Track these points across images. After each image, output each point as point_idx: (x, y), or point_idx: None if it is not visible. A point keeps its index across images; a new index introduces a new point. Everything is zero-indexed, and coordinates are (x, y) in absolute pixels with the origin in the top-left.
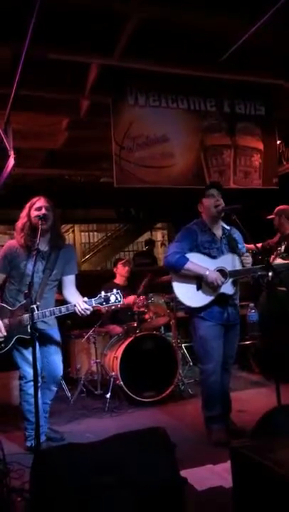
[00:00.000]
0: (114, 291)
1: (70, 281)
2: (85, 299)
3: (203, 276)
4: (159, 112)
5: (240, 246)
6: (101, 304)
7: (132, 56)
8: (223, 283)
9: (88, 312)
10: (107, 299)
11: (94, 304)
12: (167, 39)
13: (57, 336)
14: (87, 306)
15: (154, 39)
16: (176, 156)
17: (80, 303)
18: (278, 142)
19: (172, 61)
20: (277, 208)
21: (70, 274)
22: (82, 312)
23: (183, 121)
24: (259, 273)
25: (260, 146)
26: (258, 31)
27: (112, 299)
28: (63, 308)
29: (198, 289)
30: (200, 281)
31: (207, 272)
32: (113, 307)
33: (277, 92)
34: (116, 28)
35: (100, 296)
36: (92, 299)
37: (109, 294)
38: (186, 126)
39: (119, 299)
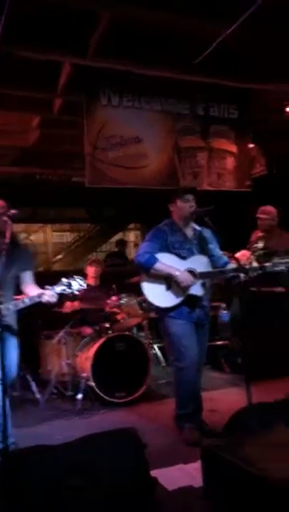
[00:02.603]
0: (76, 277)
1: (28, 277)
2: (48, 287)
3: (173, 276)
4: (133, 112)
5: (211, 246)
6: (64, 290)
7: (105, 56)
8: (192, 283)
9: (54, 299)
10: (69, 285)
11: (57, 291)
12: (141, 40)
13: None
14: (53, 293)
15: (128, 40)
16: (149, 157)
17: (45, 292)
18: (251, 145)
19: (146, 62)
20: (271, 209)
21: (28, 270)
22: (49, 299)
23: (157, 122)
24: (231, 274)
25: (234, 149)
26: (233, 34)
27: (75, 284)
28: (27, 299)
29: (167, 289)
30: (169, 281)
31: (177, 273)
32: (77, 293)
33: (252, 96)
34: (89, 27)
35: (62, 282)
36: (55, 286)
37: (70, 280)
38: (160, 127)
39: (81, 284)
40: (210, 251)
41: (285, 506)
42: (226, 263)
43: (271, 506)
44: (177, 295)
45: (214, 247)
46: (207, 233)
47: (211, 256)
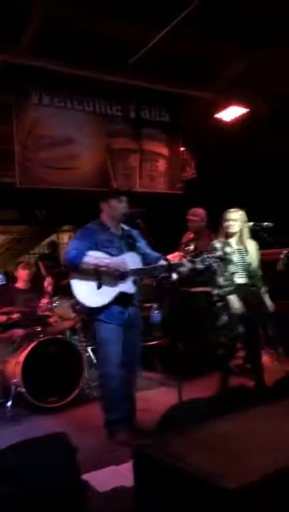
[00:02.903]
0: None
1: None
2: None
3: (105, 265)
4: (65, 113)
5: (140, 244)
6: None
7: (36, 55)
8: (126, 275)
9: None
10: None
11: None
12: (74, 41)
13: None
14: None
15: (60, 40)
16: (81, 159)
17: None
18: (182, 149)
19: (78, 63)
20: (201, 211)
21: None
22: None
23: (89, 123)
24: (162, 275)
25: (165, 151)
26: (164, 39)
27: None
28: None
29: (98, 287)
30: (100, 279)
31: (108, 261)
32: None
33: (182, 100)
34: (20, 25)
35: None
36: None
37: None
38: (93, 129)
39: None
40: (140, 249)
41: (208, 496)
42: (159, 258)
43: (195, 497)
44: (109, 293)
45: (143, 245)
46: (134, 232)
47: (142, 254)
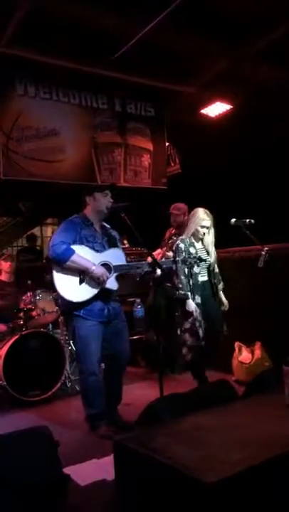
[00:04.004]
0: None
1: None
2: None
3: (89, 270)
4: (50, 104)
5: (118, 243)
6: None
7: (20, 45)
8: (107, 278)
9: None
10: None
11: None
12: (59, 32)
13: None
14: None
15: (46, 31)
16: (66, 151)
17: None
18: (167, 144)
19: (63, 54)
20: (183, 206)
21: None
22: None
23: (74, 116)
24: (146, 270)
25: (150, 146)
26: (151, 33)
27: None
28: None
29: (80, 282)
30: (83, 274)
31: (94, 267)
32: None
33: (168, 95)
34: (4, 14)
35: None
36: None
37: None
38: (78, 121)
39: None
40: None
41: (187, 489)
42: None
43: (175, 490)
44: (91, 289)
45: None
46: (115, 234)
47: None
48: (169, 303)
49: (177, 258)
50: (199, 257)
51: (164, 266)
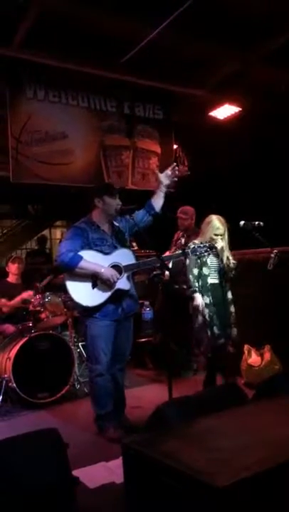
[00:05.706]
0: None
1: None
2: None
3: (98, 273)
4: (59, 108)
5: (127, 235)
6: None
7: (31, 49)
8: (118, 279)
9: None
10: None
11: None
12: (69, 35)
13: None
14: None
15: (56, 34)
16: (75, 154)
17: None
18: (175, 146)
19: (72, 58)
20: (190, 209)
21: None
22: None
23: (83, 119)
24: (154, 273)
25: (158, 149)
26: (159, 36)
27: None
28: None
29: (93, 287)
30: (95, 279)
31: (102, 270)
32: None
33: (176, 98)
34: (15, 18)
35: None
36: None
37: None
38: (87, 124)
39: None
40: (130, 230)
41: (197, 493)
42: (146, 207)
43: (185, 495)
44: (104, 292)
45: (128, 235)
46: (120, 222)
47: (133, 226)
48: (178, 304)
49: (187, 250)
50: (209, 244)
51: (174, 259)
